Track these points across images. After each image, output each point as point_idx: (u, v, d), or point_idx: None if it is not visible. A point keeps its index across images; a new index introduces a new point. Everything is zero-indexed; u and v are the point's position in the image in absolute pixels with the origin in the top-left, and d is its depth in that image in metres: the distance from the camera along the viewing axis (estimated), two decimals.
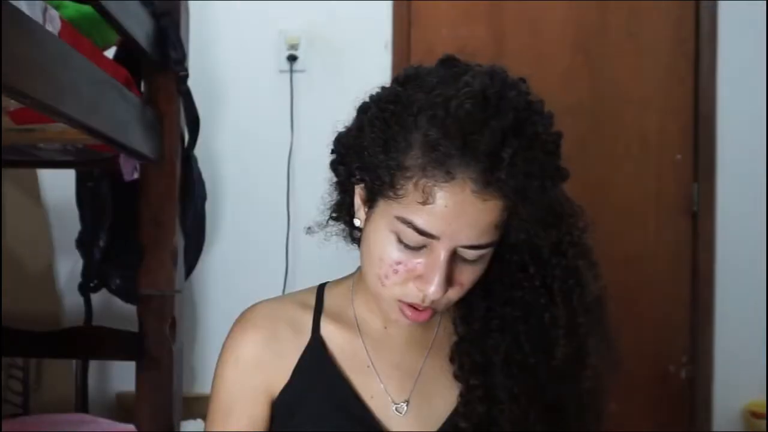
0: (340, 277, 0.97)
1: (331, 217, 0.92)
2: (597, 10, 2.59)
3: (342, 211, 0.90)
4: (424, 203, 0.76)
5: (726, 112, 2.54)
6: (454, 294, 0.81)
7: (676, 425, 2.55)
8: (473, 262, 0.80)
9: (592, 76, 2.59)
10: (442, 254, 0.78)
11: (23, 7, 0.97)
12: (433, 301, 0.80)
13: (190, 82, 1.74)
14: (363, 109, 0.84)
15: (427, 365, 0.91)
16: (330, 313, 0.93)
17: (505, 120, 0.75)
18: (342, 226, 0.92)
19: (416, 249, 0.79)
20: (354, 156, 0.83)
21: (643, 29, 2.59)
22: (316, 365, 0.90)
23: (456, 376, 0.87)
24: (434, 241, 0.78)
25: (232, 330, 0.93)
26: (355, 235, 0.91)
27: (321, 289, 0.96)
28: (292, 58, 2.53)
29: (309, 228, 0.93)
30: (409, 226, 0.77)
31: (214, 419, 0.92)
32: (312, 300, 0.94)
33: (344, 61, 2.50)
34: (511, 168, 0.75)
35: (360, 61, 2.47)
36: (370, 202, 0.83)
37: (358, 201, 0.85)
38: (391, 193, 0.78)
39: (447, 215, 0.76)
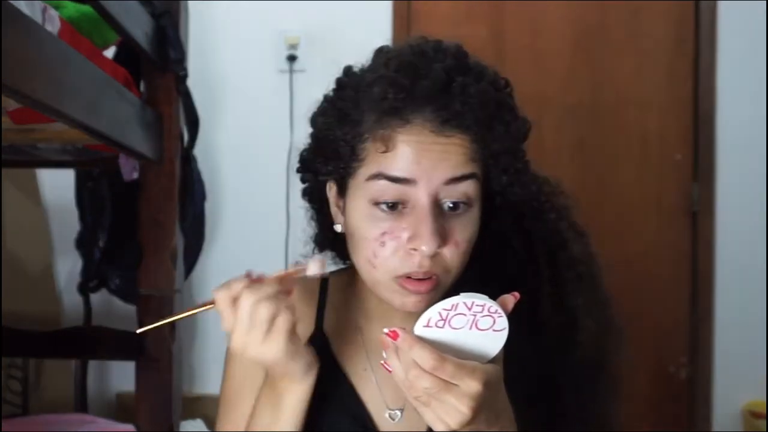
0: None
1: (317, 245, 0.92)
2: (597, 10, 2.59)
3: (324, 235, 0.90)
4: (386, 151, 0.76)
5: (726, 112, 2.54)
6: (450, 254, 0.77)
7: (676, 425, 2.55)
8: (461, 215, 0.77)
9: (592, 76, 2.59)
10: (424, 200, 0.75)
11: (23, 7, 0.96)
12: (430, 262, 0.76)
13: (190, 82, 1.74)
14: (314, 113, 0.86)
15: None
16: (333, 306, 0.92)
17: (446, 62, 0.77)
18: (330, 252, 0.92)
19: (397, 211, 0.76)
20: (314, 154, 0.84)
21: (643, 29, 2.59)
22: (319, 361, 0.88)
23: None
24: (412, 190, 0.75)
25: None
26: (344, 255, 0.90)
27: (324, 279, 0.94)
28: (292, 58, 2.53)
29: (297, 263, 0.93)
30: (380, 178, 0.76)
31: (224, 408, 0.91)
32: (317, 289, 0.93)
33: (344, 61, 2.49)
34: (464, 99, 0.75)
35: (360, 61, 2.48)
36: (342, 191, 0.82)
37: (333, 206, 0.84)
38: (355, 163, 0.78)
39: (413, 155, 0.75)
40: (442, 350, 0.67)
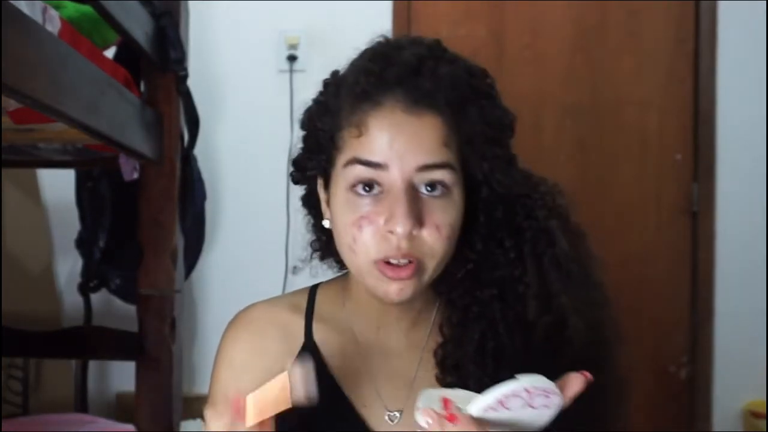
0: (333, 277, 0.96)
1: (313, 249, 0.93)
2: (597, 10, 2.59)
3: (322, 242, 0.91)
4: (360, 135, 0.78)
5: (726, 112, 2.55)
6: (431, 238, 0.78)
7: (676, 425, 2.55)
8: (438, 197, 0.78)
9: (592, 76, 2.59)
10: (398, 183, 0.77)
11: (23, 7, 0.97)
12: (408, 244, 0.77)
13: (190, 82, 1.74)
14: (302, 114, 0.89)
15: (421, 371, 0.88)
16: (322, 316, 0.91)
17: (419, 48, 0.81)
18: (329, 258, 0.93)
19: (374, 196, 0.78)
20: (302, 151, 0.88)
21: (643, 29, 2.59)
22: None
23: (437, 379, 0.85)
24: (386, 175, 0.77)
25: (225, 333, 0.92)
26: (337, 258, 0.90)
27: (313, 290, 0.94)
28: (292, 58, 2.53)
29: (295, 268, 0.95)
30: (355, 163, 0.78)
31: None
32: (304, 302, 0.93)
33: (344, 61, 2.50)
34: (435, 78, 0.78)
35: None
36: (327, 184, 0.84)
37: (322, 202, 0.86)
38: (334, 152, 0.81)
39: (385, 139, 0.77)
40: (492, 425, 0.68)
